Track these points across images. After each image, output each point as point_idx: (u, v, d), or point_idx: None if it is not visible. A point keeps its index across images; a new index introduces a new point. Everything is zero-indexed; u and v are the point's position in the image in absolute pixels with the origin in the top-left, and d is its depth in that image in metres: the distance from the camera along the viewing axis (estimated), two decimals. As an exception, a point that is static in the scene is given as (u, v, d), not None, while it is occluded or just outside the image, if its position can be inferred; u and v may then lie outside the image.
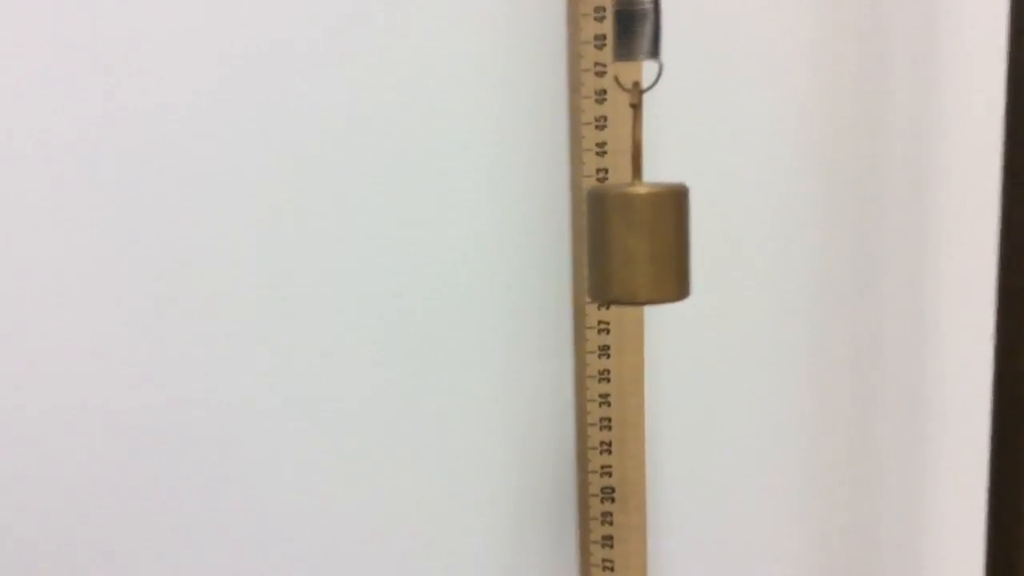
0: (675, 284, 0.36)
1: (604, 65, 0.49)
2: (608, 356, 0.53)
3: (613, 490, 0.54)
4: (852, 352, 0.55)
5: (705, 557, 0.56)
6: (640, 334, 0.53)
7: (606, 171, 0.50)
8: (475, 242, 0.52)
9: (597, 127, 0.50)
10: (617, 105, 0.49)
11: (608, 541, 0.54)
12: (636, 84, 0.36)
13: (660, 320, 0.53)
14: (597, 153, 0.50)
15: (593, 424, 0.53)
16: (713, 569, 0.56)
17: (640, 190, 0.36)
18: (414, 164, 0.50)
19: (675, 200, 0.36)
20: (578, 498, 0.54)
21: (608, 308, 0.52)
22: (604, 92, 0.49)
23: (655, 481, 0.55)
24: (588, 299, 0.37)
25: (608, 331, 0.52)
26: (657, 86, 0.35)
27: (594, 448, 0.53)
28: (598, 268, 0.37)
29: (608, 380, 0.53)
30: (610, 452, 0.53)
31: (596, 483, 0.54)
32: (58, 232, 0.47)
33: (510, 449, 0.54)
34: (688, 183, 0.36)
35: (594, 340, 0.52)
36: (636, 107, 0.36)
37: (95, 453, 0.49)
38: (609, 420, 0.53)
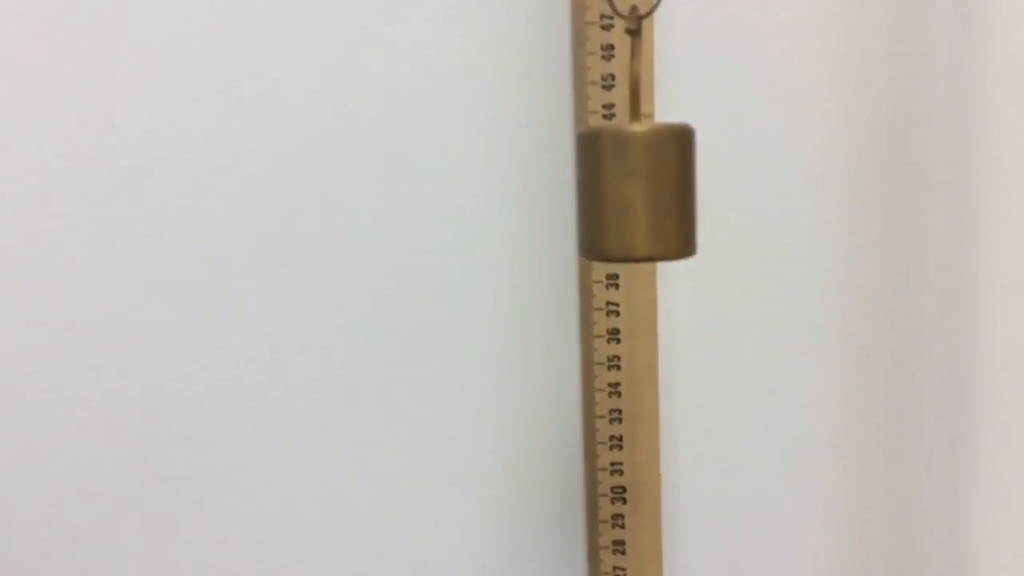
0: (678, 238, 0.32)
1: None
2: (618, 341, 0.48)
3: (624, 490, 0.49)
4: (891, 337, 0.50)
5: (726, 565, 0.51)
6: (653, 316, 0.48)
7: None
8: (472, 214, 0.47)
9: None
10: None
11: (620, 547, 0.49)
12: (634, 9, 0.32)
13: (675, 300, 0.48)
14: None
15: (602, 416, 0.48)
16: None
17: (637, 129, 0.31)
18: (410, 131, 0.46)
19: (678, 141, 0.32)
20: (586, 499, 0.50)
21: (617, 288, 0.47)
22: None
23: (671, 480, 0.50)
24: (582, 255, 0.33)
25: (618, 313, 0.48)
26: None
27: (603, 443, 0.49)
28: (591, 220, 0.32)
29: (618, 368, 0.48)
30: (621, 447, 0.49)
31: (606, 482, 0.49)
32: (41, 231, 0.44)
33: (511, 445, 0.49)
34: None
35: (602, 323, 0.48)
36: (634, 34, 0.31)
37: (84, 449, 0.46)
38: (620, 412, 0.48)
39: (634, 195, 0.31)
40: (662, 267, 0.48)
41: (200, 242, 0.46)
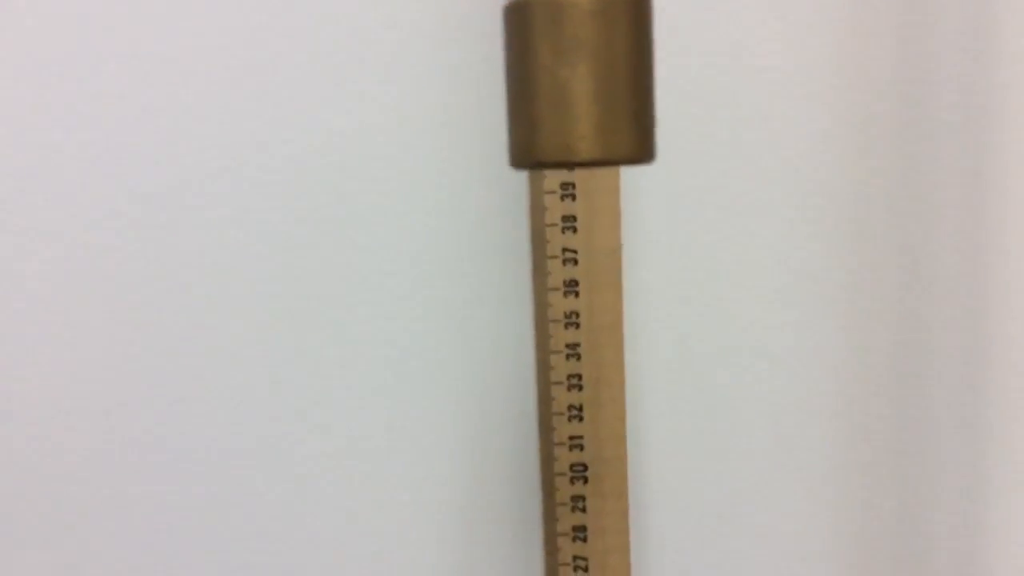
0: (630, 135, 0.25)
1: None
2: (576, 295, 0.41)
3: (585, 467, 0.42)
4: (890, 291, 0.43)
5: (700, 552, 0.44)
6: (616, 265, 0.41)
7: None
8: (402, 149, 0.41)
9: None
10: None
11: (580, 533, 0.43)
12: None
13: (643, 247, 0.42)
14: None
15: (559, 383, 0.42)
16: (713, 568, 0.44)
17: (576, -6, 0.24)
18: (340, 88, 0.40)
19: (629, 11, 0.25)
20: (542, 478, 0.43)
21: (575, 232, 0.41)
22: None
23: (638, 457, 0.43)
24: (512, 164, 0.26)
25: (576, 262, 0.41)
26: None
27: (561, 414, 0.42)
28: (520, 116, 0.26)
29: (577, 326, 0.42)
30: (581, 419, 0.42)
31: (564, 459, 0.42)
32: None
33: (454, 418, 0.43)
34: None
35: (558, 273, 0.41)
36: None
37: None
38: (579, 377, 0.42)
39: (572, 80, 0.25)
40: (628, 208, 0.41)
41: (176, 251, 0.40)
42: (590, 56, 0.25)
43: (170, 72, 0.40)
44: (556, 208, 0.41)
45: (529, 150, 0.25)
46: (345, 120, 0.41)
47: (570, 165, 0.25)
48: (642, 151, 0.25)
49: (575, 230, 0.41)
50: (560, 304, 0.41)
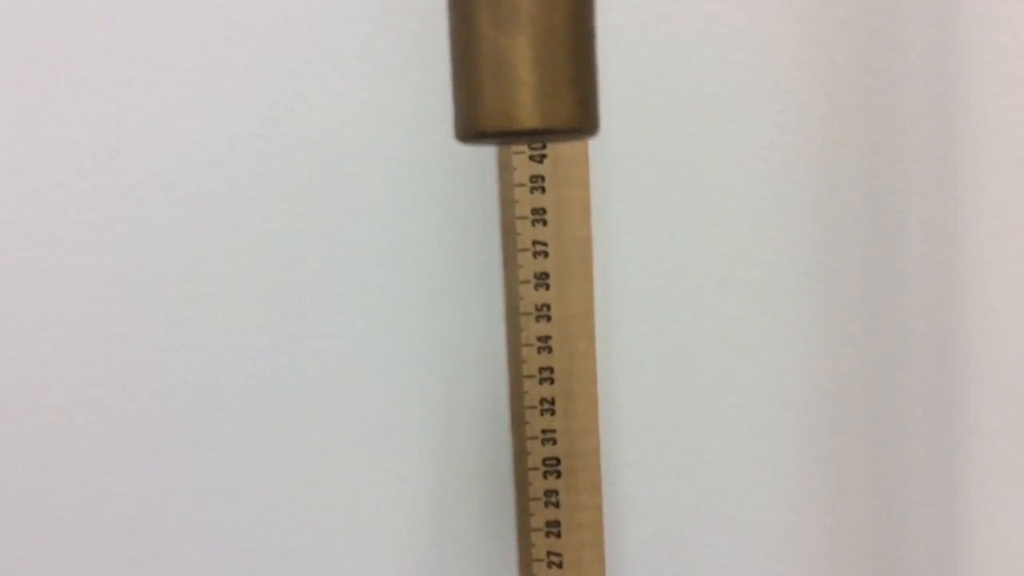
0: (571, 103, 0.25)
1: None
2: (547, 287, 0.41)
3: (559, 461, 0.42)
4: (866, 281, 0.43)
5: (676, 548, 0.44)
6: (588, 256, 0.41)
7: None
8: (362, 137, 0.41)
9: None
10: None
11: (554, 528, 0.42)
12: None
13: (615, 235, 0.42)
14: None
15: (531, 376, 0.42)
16: (689, 564, 0.44)
17: (515, -39, 0.25)
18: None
19: (569, -20, 0.25)
20: (515, 473, 0.43)
21: (545, 224, 0.41)
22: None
23: (612, 451, 0.43)
24: (456, 137, 0.26)
25: (546, 254, 0.41)
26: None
27: (533, 407, 0.42)
28: (463, 85, 0.26)
29: (548, 318, 0.41)
30: (553, 412, 0.42)
31: (537, 453, 0.42)
32: None
33: (425, 412, 0.43)
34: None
35: (529, 265, 0.41)
36: None
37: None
38: (551, 370, 0.42)
39: (512, 48, 0.25)
40: (598, 197, 0.41)
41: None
42: (529, 25, 0.25)
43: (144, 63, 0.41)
44: (526, 201, 0.41)
45: (471, 120, 0.25)
46: (310, 111, 0.41)
47: (510, 134, 0.25)
48: (583, 120, 0.26)
49: (545, 222, 0.41)
50: (531, 297, 0.41)
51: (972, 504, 0.44)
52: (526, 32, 0.25)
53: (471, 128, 0.25)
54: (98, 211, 0.41)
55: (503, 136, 0.25)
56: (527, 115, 0.25)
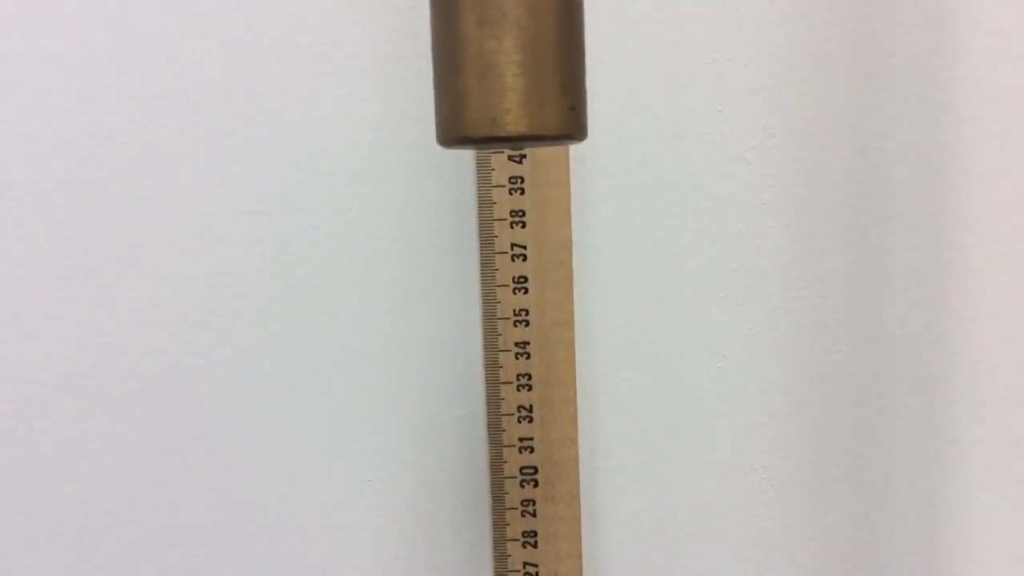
0: (560, 109, 0.24)
1: None
2: (526, 291, 0.40)
3: (536, 470, 0.41)
4: (853, 285, 0.42)
5: (656, 560, 0.43)
6: (567, 260, 0.40)
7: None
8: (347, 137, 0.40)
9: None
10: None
11: (531, 538, 0.41)
12: None
13: (595, 239, 0.41)
14: None
15: (508, 383, 0.41)
16: (668, 574, 0.43)
17: (502, -38, 0.23)
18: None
19: (557, -19, 0.24)
20: (491, 482, 0.42)
21: (524, 227, 0.40)
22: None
23: (591, 459, 0.42)
24: (438, 142, 0.25)
25: (525, 257, 0.40)
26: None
27: (510, 415, 0.41)
28: (446, 90, 0.25)
29: (527, 324, 0.40)
30: (531, 420, 0.41)
31: (514, 461, 0.41)
32: None
33: (400, 418, 0.41)
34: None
35: (507, 269, 0.40)
36: None
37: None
38: (529, 377, 0.41)
39: (498, 51, 0.24)
40: (578, 202, 0.40)
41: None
42: (516, 28, 0.24)
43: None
44: (505, 202, 0.40)
45: (455, 125, 0.24)
46: (283, 110, 0.40)
47: (496, 140, 0.24)
48: (572, 127, 0.24)
49: (524, 225, 0.40)
50: (509, 301, 0.40)
51: (955, 513, 0.43)
52: (513, 34, 0.24)
53: (455, 134, 0.24)
54: (85, 210, 0.39)
55: (488, 142, 0.24)
56: (514, 121, 0.24)
